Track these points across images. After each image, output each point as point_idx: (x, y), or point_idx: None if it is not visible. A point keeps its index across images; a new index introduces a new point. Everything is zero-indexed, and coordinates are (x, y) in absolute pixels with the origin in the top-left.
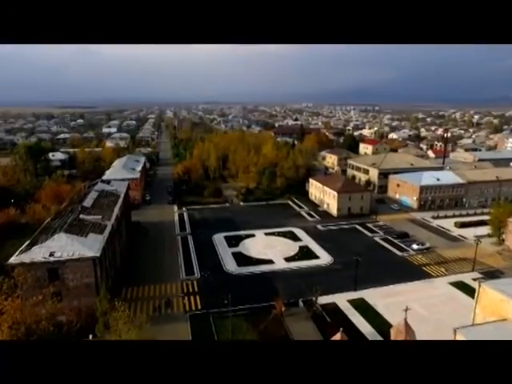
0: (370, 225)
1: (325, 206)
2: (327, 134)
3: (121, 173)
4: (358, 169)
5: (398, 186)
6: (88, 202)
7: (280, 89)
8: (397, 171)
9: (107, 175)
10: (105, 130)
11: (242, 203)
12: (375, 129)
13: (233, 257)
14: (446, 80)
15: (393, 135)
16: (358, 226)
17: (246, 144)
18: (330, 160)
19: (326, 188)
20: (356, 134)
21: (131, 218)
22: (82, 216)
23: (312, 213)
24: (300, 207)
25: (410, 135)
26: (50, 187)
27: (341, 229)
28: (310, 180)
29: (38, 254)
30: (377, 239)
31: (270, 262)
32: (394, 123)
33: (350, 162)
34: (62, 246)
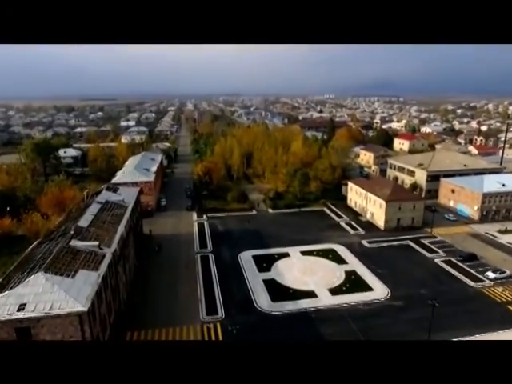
0: (425, 241)
1: (368, 216)
2: (356, 127)
3: (132, 175)
4: (401, 169)
5: (453, 192)
6: (85, 221)
7: (301, 81)
8: (448, 173)
9: (117, 178)
10: (123, 123)
11: (270, 210)
12: (404, 121)
13: (265, 286)
14: (473, 70)
15: (426, 129)
16: (411, 243)
17: (273, 140)
18: (365, 158)
19: (370, 195)
20: (384, 127)
21: (142, 230)
22: (73, 243)
23: (353, 224)
24: (338, 216)
25: (444, 129)
26: (51, 193)
27: (391, 246)
28: (350, 184)
29: (4, 306)
30: (438, 262)
31: (312, 294)
32: (423, 115)
33: (391, 161)
34: (38, 294)
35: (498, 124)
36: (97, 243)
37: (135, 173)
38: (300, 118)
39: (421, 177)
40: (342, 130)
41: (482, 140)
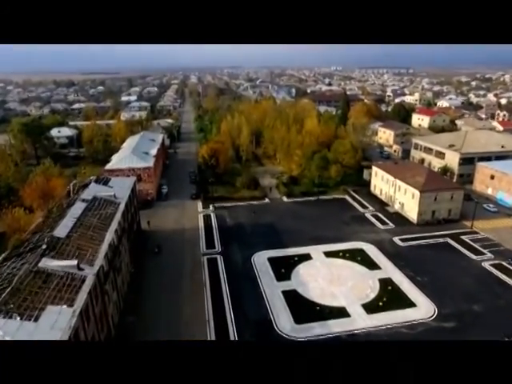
0: (466, 238)
1: (396, 206)
2: (373, 102)
3: (129, 160)
4: (428, 151)
5: (493, 177)
6: (63, 228)
7: (306, 51)
8: (484, 156)
9: (112, 163)
10: (124, 98)
11: (285, 198)
12: (417, 94)
13: (285, 300)
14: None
15: (442, 103)
16: (451, 241)
17: (284, 117)
18: (384, 136)
19: (400, 183)
20: (397, 100)
21: (140, 226)
22: (43, 263)
23: (381, 216)
24: (362, 206)
25: (462, 102)
26: (36, 182)
27: (428, 245)
28: (374, 168)
29: None
30: (487, 266)
31: (343, 312)
32: (435, 88)
33: (416, 140)
34: None
35: None
36: (75, 263)
37: (132, 157)
38: (308, 91)
39: (452, 159)
40: (357, 105)
41: (505, 115)
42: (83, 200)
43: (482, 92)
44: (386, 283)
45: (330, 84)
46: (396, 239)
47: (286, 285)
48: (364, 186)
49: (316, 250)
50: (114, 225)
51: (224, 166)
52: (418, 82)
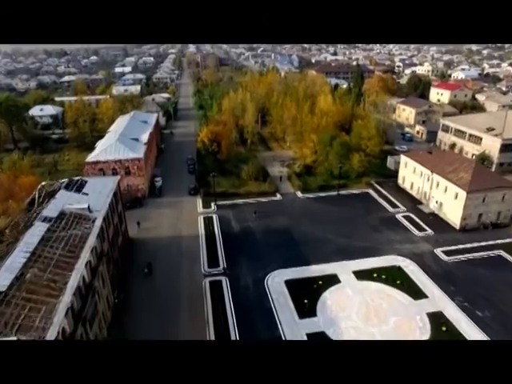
0: None
1: (432, 206)
2: (389, 75)
3: (115, 150)
4: (460, 134)
5: None
6: (4, 275)
7: None
8: None
9: (94, 154)
10: (117, 69)
11: (299, 194)
12: (426, 64)
13: None
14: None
15: (458, 74)
16: (505, 255)
17: (293, 92)
18: (404, 114)
19: (438, 178)
20: (407, 71)
21: (128, 235)
22: None
23: (415, 218)
24: (391, 203)
25: (479, 74)
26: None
27: (480, 261)
28: (403, 158)
29: None
30: None
31: None
32: (445, 57)
33: (445, 121)
34: None
35: None
36: (14, 339)
37: (119, 146)
38: (313, 60)
39: (491, 145)
40: (373, 80)
41: None
42: (45, 219)
43: (495, 62)
44: (437, 320)
45: (335, 53)
46: (439, 251)
47: (311, 324)
48: (389, 178)
49: (344, 269)
50: (86, 254)
51: (227, 152)
52: (426, 50)
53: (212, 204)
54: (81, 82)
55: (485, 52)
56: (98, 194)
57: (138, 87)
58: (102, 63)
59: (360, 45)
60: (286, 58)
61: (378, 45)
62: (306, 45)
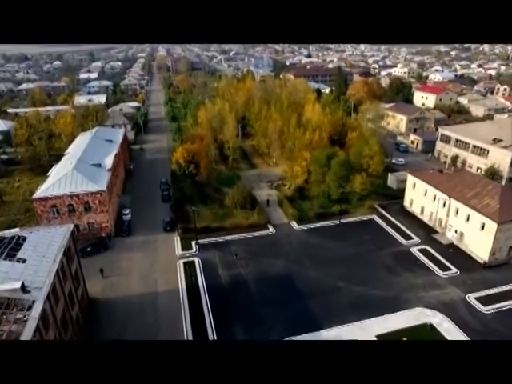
0: None
1: (451, 235)
2: (374, 79)
3: (71, 180)
4: (463, 145)
5: None
6: None
7: None
8: None
9: (45, 187)
10: (82, 75)
11: (295, 225)
12: (400, 66)
13: None
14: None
15: (435, 76)
16: None
17: (276, 99)
18: (394, 122)
19: (458, 204)
20: (383, 73)
21: (87, 296)
22: None
23: (433, 252)
24: (401, 233)
25: (455, 75)
26: None
27: None
28: (410, 178)
29: None
30: None
31: None
32: (417, 59)
33: (445, 131)
34: None
35: (503, 67)
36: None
37: (76, 176)
38: (287, 63)
39: (499, 159)
40: (356, 84)
41: (505, 89)
42: None
43: (463, 63)
44: None
45: (309, 56)
46: (472, 299)
47: None
48: (392, 199)
49: (365, 333)
50: None
51: (206, 173)
52: (397, 51)
53: (193, 243)
54: (40, 90)
55: (453, 53)
56: (40, 260)
57: (104, 97)
58: (66, 69)
59: (332, 46)
60: (260, 60)
61: (349, 46)
62: (278, 47)
